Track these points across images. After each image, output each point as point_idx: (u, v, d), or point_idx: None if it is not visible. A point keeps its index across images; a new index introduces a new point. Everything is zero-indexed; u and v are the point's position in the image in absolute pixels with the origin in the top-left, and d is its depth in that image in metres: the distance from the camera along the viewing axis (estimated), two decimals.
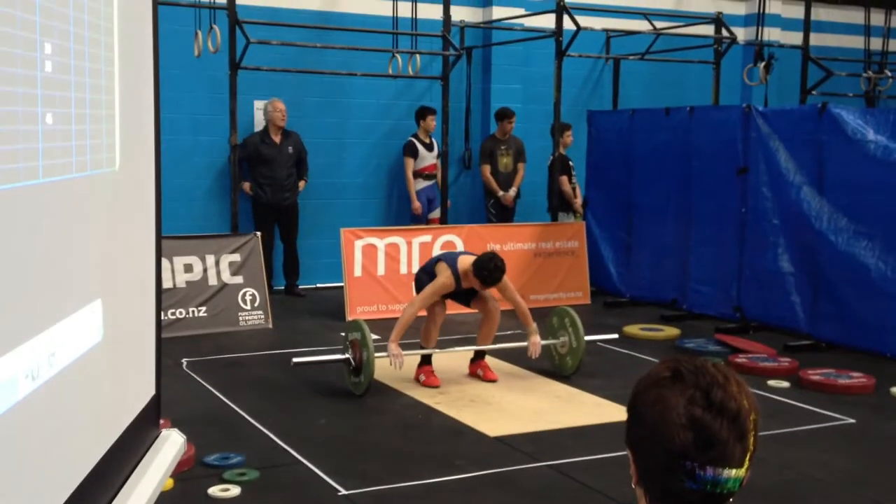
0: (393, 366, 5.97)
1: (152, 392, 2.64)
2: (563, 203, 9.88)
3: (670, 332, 7.81)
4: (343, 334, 6.28)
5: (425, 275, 6.25)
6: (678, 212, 8.81)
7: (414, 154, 9.71)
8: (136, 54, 2.50)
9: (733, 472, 1.41)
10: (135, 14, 2.49)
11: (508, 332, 7.53)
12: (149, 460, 2.42)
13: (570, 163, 10.09)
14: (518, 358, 6.84)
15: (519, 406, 5.82)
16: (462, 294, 6.25)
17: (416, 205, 9.65)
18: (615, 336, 7.09)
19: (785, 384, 6.26)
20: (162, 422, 2.80)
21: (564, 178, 9.95)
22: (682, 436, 1.40)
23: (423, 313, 6.22)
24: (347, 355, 5.95)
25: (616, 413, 5.46)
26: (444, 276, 6.05)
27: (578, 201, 10.10)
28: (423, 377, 6.21)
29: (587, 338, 6.41)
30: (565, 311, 6.61)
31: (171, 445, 2.56)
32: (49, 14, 1.81)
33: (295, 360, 6.03)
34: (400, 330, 5.99)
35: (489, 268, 5.89)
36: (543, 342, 6.38)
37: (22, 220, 1.68)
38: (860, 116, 7.26)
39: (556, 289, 9.11)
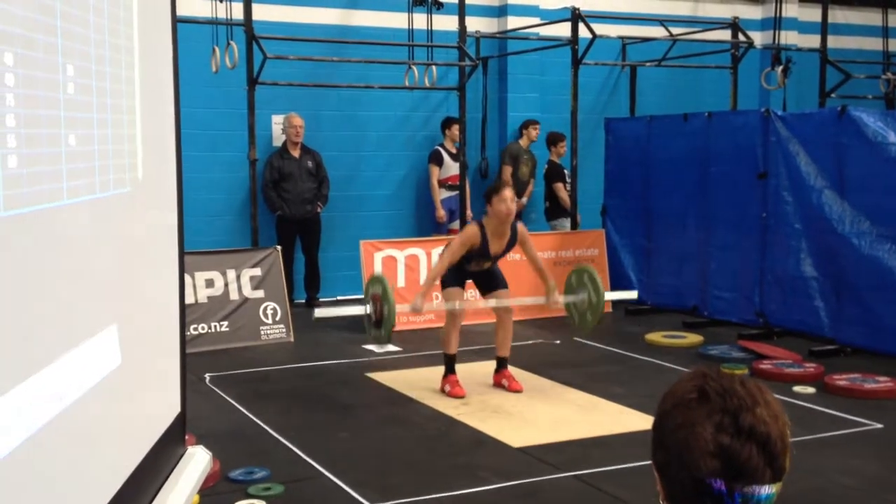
0: (414, 308, 5.96)
1: (178, 410, 2.65)
2: (560, 210, 9.92)
3: (693, 339, 7.77)
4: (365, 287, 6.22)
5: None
6: (698, 218, 8.77)
7: (439, 162, 9.75)
8: (156, 73, 2.52)
9: (765, 489, 1.36)
10: (154, 33, 2.50)
11: (529, 342, 7.54)
12: (175, 478, 2.43)
13: (565, 171, 10.13)
14: (539, 367, 6.83)
15: (541, 415, 5.80)
16: (484, 277, 6.21)
17: (441, 213, 9.68)
18: (634, 294, 7.07)
19: (810, 390, 6.21)
20: (187, 437, 2.81)
21: (560, 185, 10.05)
22: (710, 463, 1.35)
23: (442, 322, 6.19)
24: (368, 308, 5.96)
25: (640, 421, 5.43)
26: (470, 228, 6.09)
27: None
28: (448, 387, 6.20)
29: (607, 295, 6.38)
30: (584, 268, 6.62)
31: (197, 463, 2.57)
32: (70, 36, 1.82)
33: (316, 312, 6.21)
34: (429, 283, 6.06)
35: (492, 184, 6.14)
36: (563, 299, 6.42)
37: (47, 241, 1.69)
38: (880, 119, 7.21)
39: None
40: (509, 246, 6.13)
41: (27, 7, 1.60)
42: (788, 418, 1.42)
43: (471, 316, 6.49)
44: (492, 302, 6.25)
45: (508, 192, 5.97)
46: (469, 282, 6.34)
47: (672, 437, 1.40)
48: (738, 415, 1.37)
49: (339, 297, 9.65)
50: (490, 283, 6.26)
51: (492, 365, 6.47)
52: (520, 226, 6.19)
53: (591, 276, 6.42)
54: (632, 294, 6.97)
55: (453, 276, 6.16)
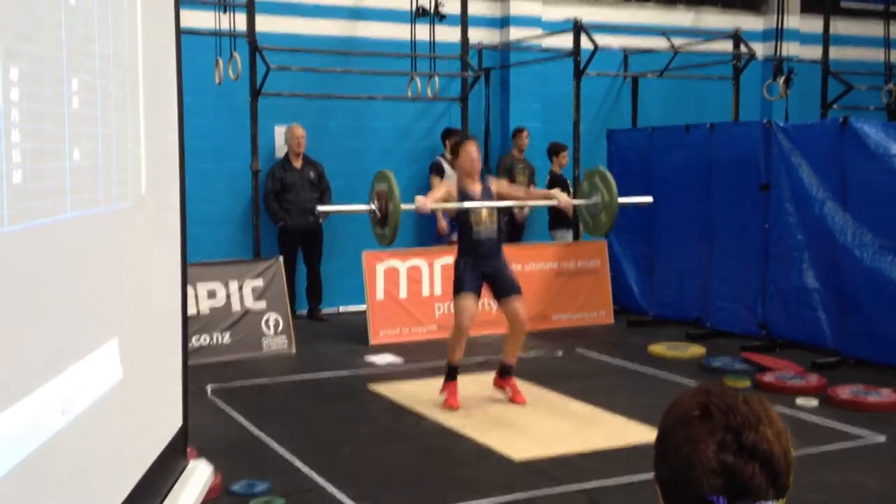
0: (418, 208, 6.08)
1: (179, 423, 2.64)
2: (562, 221, 9.91)
3: (695, 350, 7.75)
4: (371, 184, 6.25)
5: (461, 258, 6.21)
6: (700, 229, 8.76)
7: (440, 173, 9.76)
8: (160, 85, 2.52)
9: None
10: (158, 46, 2.51)
11: (531, 354, 7.53)
12: (177, 492, 2.42)
13: (567, 181, 10.13)
14: (541, 378, 6.81)
15: (544, 428, 5.78)
16: (498, 279, 6.16)
17: (443, 224, 9.68)
18: (649, 199, 7.10)
19: (813, 402, 6.19)
20: (189, 450, 2.80)
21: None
22: (712, 481, 1.35)
23: (445, 334, 6.16)
24: (373, 206, 5.97)
25: (643, 434, 5.41)
26: (444, 184, 6.42)
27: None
28: (445, 395, 6.18)
29: (620, 199, 6.47)
30: (595, 170, 6.72)
31: (199, 476, 2.56)
32: (75, 51, 1.82)
33: (319, 207, 6.47)
34: (436, 203, 6.26)
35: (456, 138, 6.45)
36: (575, 202, 6.61)
37: (49, 255, 1.69)
38: (882, 130, 7.21)
39: (578, 308, 9.07)
40: (485, 184, 6.27)
41: (32, 21, 1.60)
42: (791, 432, 1.42)
43: (478, 327, 6.45)
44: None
45: (473, 147, 6.29)
46: (483, 285, 6.27)
47: (674, 453, 1.40)
48: (741, 433, 1.37)
49: (342, 309, 9.64)
50: (504, 287, 6.20)
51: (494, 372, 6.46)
52: (488, 177, 6.41)
53: (602, 177, 6.52)
54: (647, 199, 7.01)
55: (469, 276, 6.09)
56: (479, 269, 6.11)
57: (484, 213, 6.13)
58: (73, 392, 1.78)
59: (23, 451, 1.54)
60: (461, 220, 6.22)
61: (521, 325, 6.21)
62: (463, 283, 6.11)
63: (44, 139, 1.67)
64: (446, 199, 6.20)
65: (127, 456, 2.18)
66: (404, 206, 5.85)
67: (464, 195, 6.16)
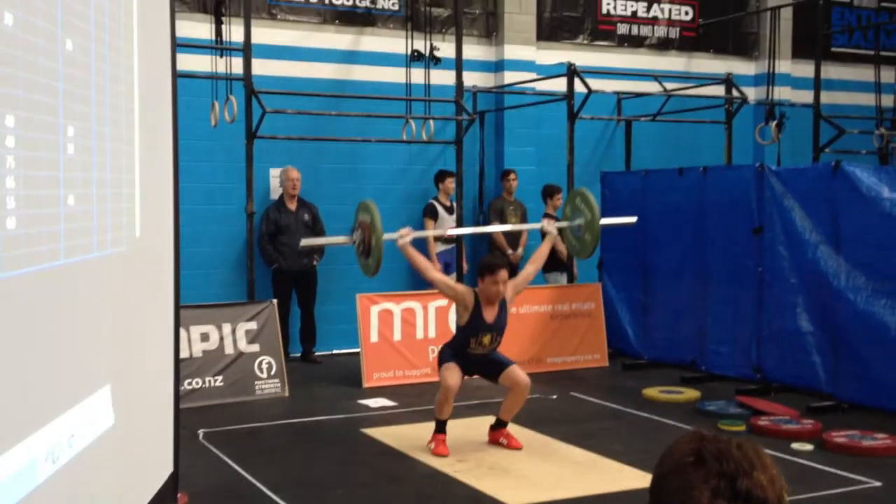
0: (396, 238, 6.01)
1: (170, 468, 2.62)
2: (557, 263, 9.91)
3: (690, 394, 7.73)
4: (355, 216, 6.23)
5: (448, 348, 6.20)
6: (694, 272, 8.78)
7: (434, 216, 9.78)
8: (156, 130, 2.53)
9: None
10: (155, 90, 2.52)
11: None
12: None
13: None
14: (536, 422, 6.77)
15: (539, 473, 5.74)
16: (486, 362, 6.16)
17: (437, 266, 9.67)
18: (633, 219, 7.04)
19: (808, 447, 6.16)
20: (179, 495, 2.77)
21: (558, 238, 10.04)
22: None
23: (433, 379, 6.13)
24: (355, 237, 5.93)
25: (638, 479, 5.37)
26: (465, 287, 6.19)
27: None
28: (433, 445, 6.11)
29: (604, 220, 6.45)
30: (576, 192, 6.67)
31: None
32: (72, 97, 1.83)
33: (303, 242, 6.39)
34: (418, 254, 6.15)
35: (487, 257, 6.24)
36: (558, 225, 6.55)
37: (43, 303, 1.68)
38: (874, 174, 7.25)
39: (573, 351, 9.05)
40: (502, 311, 6.11)
41: (30, 70, 1.61)
42: (786, 477, 1.42)
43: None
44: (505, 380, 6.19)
45: (503, 274, 6.01)
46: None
47: (669, 500, 1.40)
48: (735, 479, 1.37)
49: (336, 351, 9.60)
50: (496, 367, 6.18)
51: (490, 420, 6.41)
52: (504, 292, 6.09)
53: (583, 197, 6.46)
54: (631, 219, 6.95)
55: (456, 361, 6.08)
56: (468, 362, 6.14)
57: (486, 339, 6.09)
58: (63, 439, 1.77)
59: (12, 499, 1.52)
60: (463, 335, 6.10)
61: (524, 388, 6.15)
62: (448, 358, 6.12)
63: (38, 185, 1.68)
64: (461, 305, 6.06)
65: (118, 502, 2.16)
66: (387, 236, 5.85)
67: (478, 318, 6.00)
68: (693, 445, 1.43)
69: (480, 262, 6.16)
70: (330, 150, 9.72)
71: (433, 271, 6.25)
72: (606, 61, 11.09)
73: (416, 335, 8.39)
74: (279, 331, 7.97)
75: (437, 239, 9.81)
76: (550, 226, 6.50)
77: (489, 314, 6.04)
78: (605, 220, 6.48)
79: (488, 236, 10.21)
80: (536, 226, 6.50)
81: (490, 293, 6.00)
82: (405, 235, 6.01)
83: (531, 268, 6.35)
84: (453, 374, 6.03)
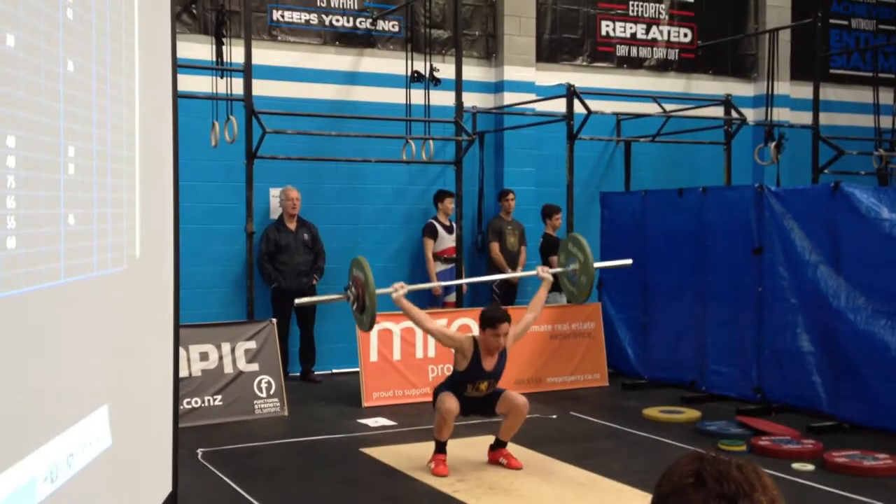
0: (391, 293, 6.05)
1: (169, 489, 2.62)
2: (556, 283, 9.88)
3: (691, 414, 7.71)
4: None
5: (444, 387, 6.21)
6: (694, 292, 8.78)
7: (434, 235, 9.80)
8: (157, 151, 2.54)
9: None
10: (155, 112, 2.53)
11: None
12: None
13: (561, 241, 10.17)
14: (535, 442, 6.75)
15: (539, 493, 5.72)
16: (482, 402, 6.19)
17: (437, 286, 9.68)
18: (629, 262, 6.95)
19: (810, 467, 6.14)
20: None
21: (556, 259, 10.04)
22: None
23: (428, 397, 6.13)
24: (349, 294, 5.94)
25: (638, 500, 5.36)
26: (465, 336, 6.15)
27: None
28: (433, 465, 6.11)
29: (597, 264, 6.48)
30: (569, 238, 6.72)
31: None
32: (73, 118, 1.85)
33: (297, 301, 6.44)
34: (413, 307, 6.15)
35: (489, 309, 6.17)
36: (552, 271, 6.57)
37: (43, 321, 1.69)
38: (873, 195, 7.27)
39: (573, 371, 9.04)
40: (501, 358, 6.13)
41: (31, 90, 1.62)
42: (787, 497, 1.42)
43: None
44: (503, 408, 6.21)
45: (505, 328, 6.01)
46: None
47: None
48: (736, 501, 1.36)
49: (335, 371, 9.59)
50: (491, 399, 6.21)
51: (489, 439, 6.40)
52: (504, 344, 6.09)
53: (575, 241, 6.50)
54: (626, 262, 6.92)
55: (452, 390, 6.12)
56: (463, 402, 6.13)
57: (483, 385, 6.12)
58: (62, 458, 1.77)
59: None
60: (461, 378, 6.12)
61: (523, 409, 6.17)
62: (446, 390, 6.14)
63: (39, 205, 1.69)
64: (459, 353, 6.08)
65: None
66: (381, 291, 5.93)
67: (477, 366, 6.03)
68: (693, 467, 1.43)
69: (482, 314, 6.15)
70: (330, 171, 9.75)
71: (429, 322, 6.27)
72: (606, 82, 11.14)
73: (415, 354, 8.39)
74: (278, 350, 7.96)
75: (437, 258, 9.81)
76: (546, 273, 6.49)
77: (488, 363, 6.08)
78: (599, 264, 6.52)
79: (487, 255, 10.21)
80: (532, 273, 6.52)
81: (491, 345, 6.04)
82: (399, 290, 6.06)
83: (530, 316, 6.31)
84: (451, 399, 6.05)
